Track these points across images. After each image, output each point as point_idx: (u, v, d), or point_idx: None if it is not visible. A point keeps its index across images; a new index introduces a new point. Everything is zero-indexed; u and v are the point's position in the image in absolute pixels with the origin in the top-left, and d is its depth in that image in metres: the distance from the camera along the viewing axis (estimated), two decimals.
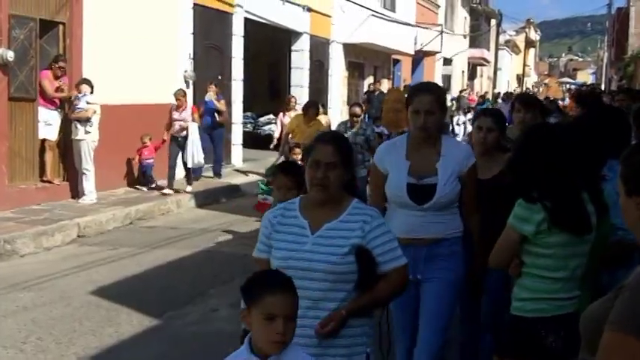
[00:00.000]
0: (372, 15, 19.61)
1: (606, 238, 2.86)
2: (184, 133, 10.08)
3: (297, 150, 8.04)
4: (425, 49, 25.48)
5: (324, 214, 2.45)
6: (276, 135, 11.78)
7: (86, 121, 8.80)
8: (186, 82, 11.69)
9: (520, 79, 49.06)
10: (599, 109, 3.95)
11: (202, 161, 10.46)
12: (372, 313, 2.56)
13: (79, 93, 8.80)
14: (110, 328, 5.02)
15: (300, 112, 10.12)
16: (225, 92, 12.92)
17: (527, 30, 53.11)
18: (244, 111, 14.62)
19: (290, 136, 9.37)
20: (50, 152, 8.94)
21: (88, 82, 8.88)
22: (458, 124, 21.02)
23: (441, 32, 26.91)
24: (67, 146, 9.10)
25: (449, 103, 19.93)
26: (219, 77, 12.97)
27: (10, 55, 7.97)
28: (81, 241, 7.75)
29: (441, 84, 28.33)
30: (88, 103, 8.79)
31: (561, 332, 2.59)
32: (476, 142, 3.74)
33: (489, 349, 3.61)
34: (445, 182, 3.17)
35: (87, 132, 8.83)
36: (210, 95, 11.60)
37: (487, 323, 3.70)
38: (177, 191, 10.08)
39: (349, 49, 19.48)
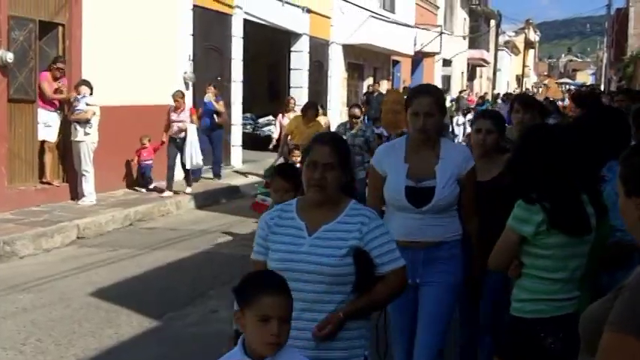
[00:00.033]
0: (372, 16, 19.63)
1: (606, 239, 2.86)
2: (183, 134, 10.07)
3: (297, 152, 8.04)
4: (424, 50, 25.49)
5: (321, 216, 2.44)
6: (275, 136, 11.78)
7: (86, 122, 8.80)
8: (186, 84, 11.70)
9: (519, 79, 49.09)
10: (598, 110, 3.95)
11: (201, 162, 10.46)
12: (369, 315, 2.54)
13: (78, 94, 8.80)
14: (110, 330, 5.01)
15: (299, 113, 10.12)
16: (224, 93, 12.92)
17: (526, 31, 53.16)
18: (244, 112, 14.63)
19: (289, 137, 9.37)
20: (50, 154, 8.94)
21: (87, 83, 8.88)
22: (457, 125, 21.02)
23: (441, 33, 26.94)
24: (66, 148, 9.10)
25: (448, 104, 19.93)
26: (219, 78, 12.97)
27: (10, 56, 7.97)
28: (80, 243, 7.75)
29: (440, 85, 28.41)
30: (87, 104, 8.79)
31: (560, 333, 2.58)
32: (475, 144, 3.72)
33: (489, 352, 3.60)
34: (444, 185, 3.15)
35: (86, 133, 8.83)
36: (209, 96, 11.60)
37: (486, 325, 3.69)
38: (176, 193, 10.07)
39: (349, 50, 19.49)
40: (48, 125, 8.87)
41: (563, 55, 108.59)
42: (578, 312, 2.37)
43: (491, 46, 39.26)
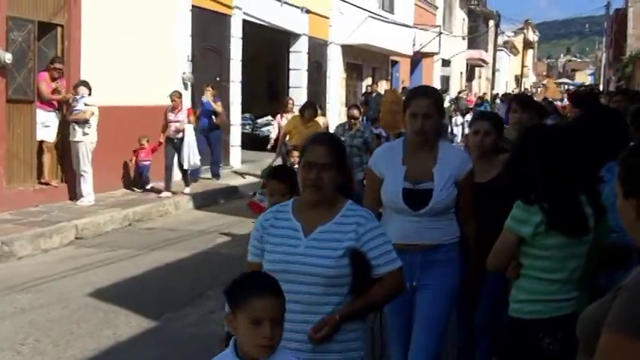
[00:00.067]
0: (370, 16, 19.64)
1: (604, 239, 2.86)
2: (180, 134, 10.07)
3: (295, 152, 8.03)
4: (423, 50, 25.51)
5: (317, 217, 2.42)
6: (273, 136, 11.75)
7: (84, 122, 8.79)
8: (185, 84, 11.69)
9: (518, 80, 49.12)
10: (596, 111, 3.94)
11: (198, 163, 10.44)
12: (366, 317, 2.52)
13: (77, 95, 8.80)
14: (108, 330, 5.01)
15: (297, 113, 10.11)
16: (223, 94, 12.92)
17: (525, 31, 53.19)
18: (243, 112, 14.63)
19: (287, 137, 9.36)
20: (48, 154, 8.93)
21: (85, 83, 8.88)
22: (456, 125, 21.04)
23: (440, 33, 26.96)
24: (65, 148, 9.09)
25: (447, 104, 19.93)
26: (218, 79, 12.97)
27: (8, 57, 7.96)
28: (79, 243, 7.74)
29: (439, 85, 28.44)
30: (85, 104, 8.79)
31: (559, 334, 2.58)
32: (473, 145, 3.70)
33: (487, 353, 3.60)
34: (441, 188, 3.12)
35: (85, 134, 8.82)
36: (207, 97, 11.58)
37: (484, 327, 3.67)
38: (174, 193, 10.07)
39: (347, 50, 19.50)
40: (46, 125, 8.87)
41: (562, 56, 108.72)
42: (576, 312, 2.37)
43: (490, 46, 39.28)
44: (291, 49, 16.85)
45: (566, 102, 23.46)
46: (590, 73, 71.90)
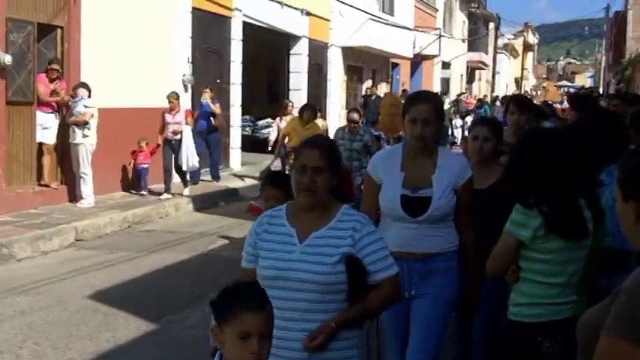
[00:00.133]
0: (371, 19, 19.65)
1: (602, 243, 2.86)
2: (178, 136, 10.06)
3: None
4: (423, 52, 25.51)
5: (312, 222, 2.37)
6: (272, 138, 11.74)
7: (84, 124, 8.79)
8: (185, 86, 11.69)
9: (518, 82, 49.14)
10: (596, 114, 3.94)
11: (197, 164, 10.43)
12: (362, 324, 2.48)
13: (76, 97, 8.80)
14: (107, 333, 5.00)
15: (297, 115, 10.11)
16: (223, 96, 12.92)
17: (525, 33, 53.20)
18: (243, 114, 14.63)
19: (286, 139, 9.35)
20: (48, 156, 8.93)
21: (85, 85, 8.88)
22: (456, 128, 21.05)
23: (440, 36, 26.96)
24: (64, 150, 9.09)
25: (447, 106, 19.93)
26: (218, 81, 12.97)
27: (8, 58, 7.97)
28: (78, 245, 7.74)
29: (439, 87, 28.46)
30: (85, 106, 8.78)
31: (558, 337, 2.58)
32: (472, 151, 3.66)
33: (485, 357, 3.59)
34: (440, 195, 3.07)
35: (85, 136, 8.82)
36: (206, 98, 11.55)
37: (483, 330, 3.64)
38: (174, 195, 10.06)
39: (348, 52, 19.50)
40: (46, 127, 8.87)
41: (561, 58, 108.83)
42: (575, 316, 2.36)
43: (490, 48, 39.31)
44: (292, 52, 16.86)
45: (566, 104, 23.46)
46: (590, 75, 71.94)
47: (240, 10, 13.42)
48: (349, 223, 2.36)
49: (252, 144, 15.33)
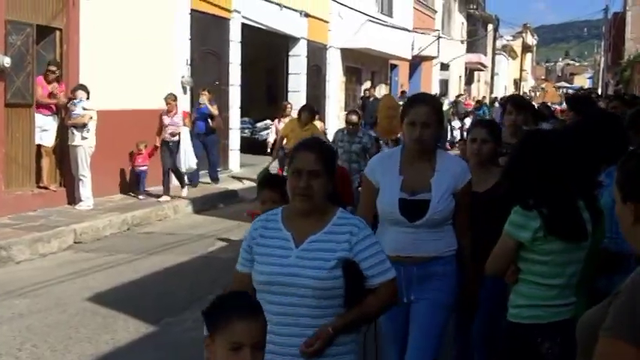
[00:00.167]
0: (370, 20, 19.66)
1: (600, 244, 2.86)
2: (176, 138, 10.06)
3: None
4: (422, 54, 25.52)
5: (308, 226, 2.33)
6: (271, 140, 11.74)
7: (83, 126, 8.79)
8: (184, 88, 11.69)
9: (517, 83, 49.18)
10: (594, 115, 3.94)
11: (194, 166, 10.43)
12: (359, 329, 2.45)
13: (75, 99, 8.79)
14: (106, 336, 5.00)
15: (295, 117, 10.10)
16: (222, 98, 12.92)
17: (524, 35, 53.23)
18: (242, 116, 14.62)
19: (284, 141, 9.34)
20: (47, 158, 8.92)
21: (83, 87, 8.88)
22: (455, 129, 21.06)
23: (438, 37, 26.97)
24: (63, 152, 9.09)
25: (446, 108, 19.94)
26: (217, 83, 12.97)
27: (7, 61, 7.96)
28: (77, 248, 7.73)
29: (438, 89, 28.46)
30: (84, 108, 8.78)
31: (557, 339, 2.58)
32: (470, 153, 3.64)
33: (485, 359, 3.58)
34: (439, 199, 3.03)
35: (84, 138, 8.81)
36: (204, 99, 11.54)
37: (482, 332, 3.63)
38: (173, 197, 10.05)
39: (347, 54, 19.51)
40: (44, 129, 8.86)
41: (560, 59, 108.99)
42: (575, 317, 2.37)
43: (489, 50, 39.32)
44: (291, 53, 16.87)
45: (564, 105, 23.47)
46: (588, 76, 72.03)
47: (239, 12, 13.42)
48: (345, 227, 2.33)
49: (251, 146, 15.33)
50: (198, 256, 7.49)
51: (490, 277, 2.86)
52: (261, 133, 16.13)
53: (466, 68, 36.20)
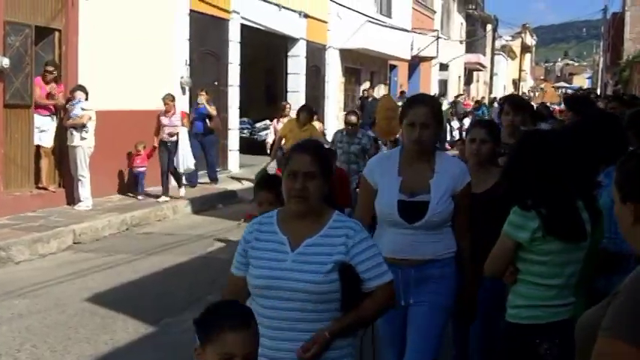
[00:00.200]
0: (369, 21, 19.66)
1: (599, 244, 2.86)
2: (174, 138, 10.05)
3: None
4: (421, 54, 25.52)
5: (304, 229, 2.29)
6: (270, 141, 11.74)
7: (81, 127, 8.79)
8: (183, 89, 11.69)
9: (516, 83, 49.19)
10: (593, 115, 3.94)
11: (192, 166, 10.42)
12: (356, 333, 2.43)
13: (74, 99, 8.79)
14: (105, 336, 4.99)
15: (294, 117, 10.10)
16: (221, 98, 12.92)
17: (523, 35, 53.25)
18: (241, 117, 14.62)
19: (283, 141, 9.34)
20: (45, 159, 8.92)
21: (82, 88, 8.88)
22: (454, 130, 21.07)
23: (437, 38, 26.97)
24: (62, 153, 9.08)
25: (446, 107, 19.96)
26: (216, 83, 12.97)
27: (6, 61, 7.96)
28: (76, 248, 7.73)
29: (437, 89, 28.45)
30: (82, 109, 8.78)
31: (556, 339, 2.58)
32: (469, 153, 3.62)
33: None
34: (438, 201, 3.00)
35: (82, 138, 8.81)
36: (202, 100, 11.54)
37: (480, 334, 3.60)
38: (172, 197, 10.05)
39: (346, 54, 19.52)
40: (43, 130, 8.86)
41: (559, 59, 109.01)
42: (574, 318, 2.37)
43: (488, 50, 39.34)
44: (289, 54, 16.87)
45: (563, 106, 23.47)
46: (587, 76, 72.06)
47: (238, 13, 13.42)
48: (342, 230, 2.30)
49: (250, 146, 15.33)
50: (197, 257, 7.49)
51: (489, 277, 2.86)
52: (260, 133, 16.14)
53: (465, 68, 36.22)
